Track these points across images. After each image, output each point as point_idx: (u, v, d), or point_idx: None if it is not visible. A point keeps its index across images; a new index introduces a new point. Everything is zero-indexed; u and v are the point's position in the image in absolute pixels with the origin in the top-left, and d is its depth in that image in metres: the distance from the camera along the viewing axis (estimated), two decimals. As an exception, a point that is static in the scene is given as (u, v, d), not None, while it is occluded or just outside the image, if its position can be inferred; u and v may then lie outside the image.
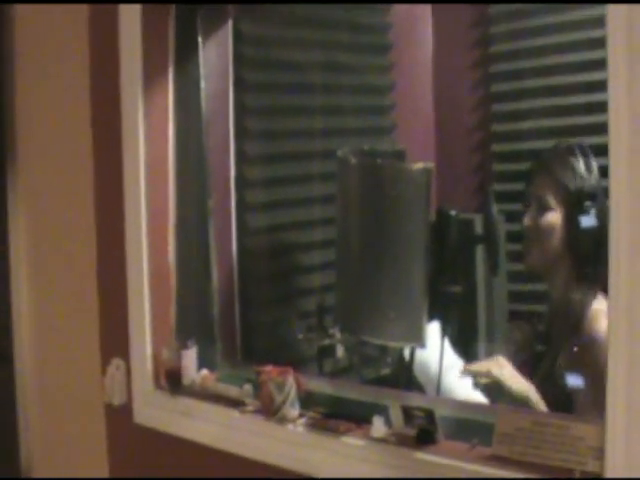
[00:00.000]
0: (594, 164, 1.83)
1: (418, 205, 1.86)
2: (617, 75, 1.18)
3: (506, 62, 2.67)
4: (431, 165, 1.86)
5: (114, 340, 2.09)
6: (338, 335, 2.21)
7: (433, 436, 1.51)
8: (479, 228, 2.09)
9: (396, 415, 1.55)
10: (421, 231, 1.85)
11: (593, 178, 1.81)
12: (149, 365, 1.97)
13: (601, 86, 1.27)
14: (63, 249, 2.29)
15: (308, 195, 2.38)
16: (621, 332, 1.20)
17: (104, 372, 2.08)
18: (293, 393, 1.68)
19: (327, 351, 2.29)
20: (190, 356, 1.91)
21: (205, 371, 1.92)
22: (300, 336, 2.32)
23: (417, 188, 1.86)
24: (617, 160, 1.19)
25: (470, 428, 1.55)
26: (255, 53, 2.21)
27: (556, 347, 1.84)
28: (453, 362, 2.04)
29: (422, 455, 1.48)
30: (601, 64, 1.27)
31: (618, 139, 1.19)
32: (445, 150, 2.88)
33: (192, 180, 2.11)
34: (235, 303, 2.20)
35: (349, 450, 1.57)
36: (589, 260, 1.79)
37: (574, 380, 1.76)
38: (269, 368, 1.73)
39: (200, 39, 2.06)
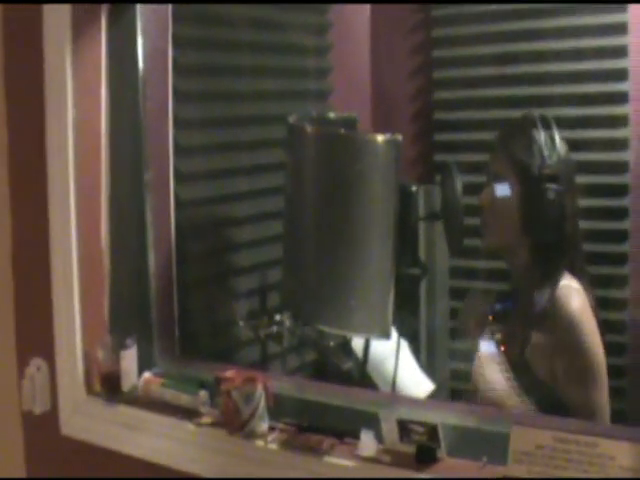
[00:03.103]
0: (557, 139, 1.67)
1: (385, 180, 1.70)
2: None
3: (449, 26, 2.58)
4: (399, 137, 1.69)
5: (34, 336, 1.79)
6: (287, 323, 2.00)
7: (434, 454, 1.29)
8: (438, 204, 1.95)
9: (390, 429, 1.32)
10: (388, 209, 1.69)
11: (555, 155, 1.65)
12: (79, 366, 1.67)
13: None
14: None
15: (249, 163, 2.22)
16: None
17: (21, 374, 1.75)
18: (263, 404, 1.42)
19: (273, 340, 2.06)
20: (130, 357, 1.63)
21: (148, 374, 1.64)
22: (241, 323, 2.09)
23: (384, 162, 1.71)
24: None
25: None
26: (193, 9, 2.01)
27: (523, 332, 1.69)
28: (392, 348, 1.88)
29: (424, 477, 1.27)
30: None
31: None
32: (383, 117, 2.75)
33: (127, 148, 1.83)
34: (173, 289, 1.92)
35: (334, 472, 1.34)
36: (551, 242, 1.66)
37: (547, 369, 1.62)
38: (231, 373, 1.47)
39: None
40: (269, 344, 2.11)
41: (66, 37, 1.66)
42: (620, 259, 2.33)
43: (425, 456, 1.30)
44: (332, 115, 2.28)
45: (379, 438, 1.34)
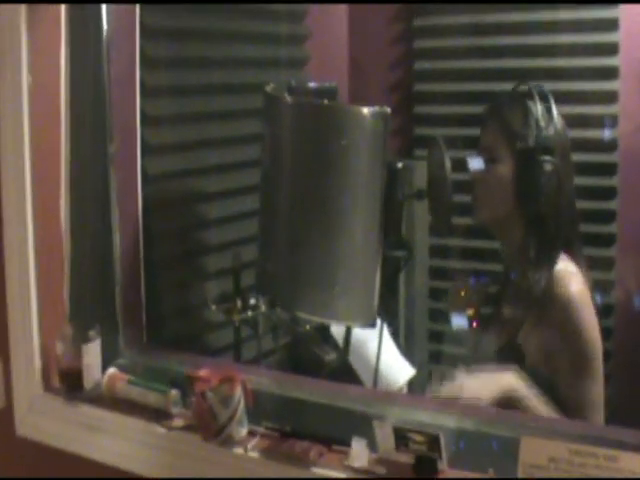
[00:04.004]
0: (555, 111, 1.58)
1: (372, 156, 1.59)
2: None
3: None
4: (387, 109, 1.58)
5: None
6: (263, 307, 1.87)
7: (435, 465, 1.17)
8: (420, 180, 1.81)
9: (385, 437, 1.19)
10: (375, 187, 1.58)
11: (552, 127, 1.57)
12: (37, 361, 1.52)
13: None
14: None
15: (221, 134, 2.07)
16: None
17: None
18: (242, 408, 1.28)
19: (248, 326, 1.92)
20: (93, 351, 1.47)
21: (113, 370, 1.48)
22: (213, 307, 1.95)
23: (371, 136, 1.59)
24: None
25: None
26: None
27: (515, 315, 1.61)
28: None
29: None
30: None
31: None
32: (360, 88, 2.63)
33: (89, 118, 1.66)
34: (140, 271, 1.76)
35: (323, 485, 1.20)
36: (546, 218, 1.58)
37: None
38: (205, 372, 1.32)
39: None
40: (243, 329, 1.97)
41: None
42: (607, 240, 2.25)
43: (424, 468, 1.17)
44: (312, 85, 2.13)
45: (372, 446, 1.20)
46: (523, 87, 1.68)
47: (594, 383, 1.51)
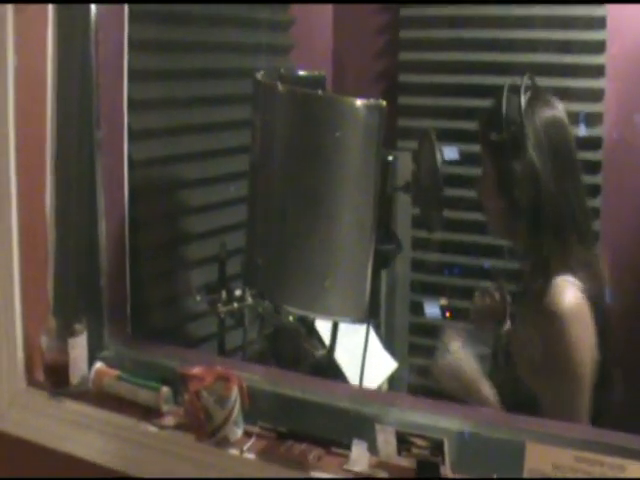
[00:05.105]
0: (524, 103, 1.47)
1: (366, 150, 1.56)
2: None
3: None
4: (383, 103, 1.55)
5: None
6: (249, 300, 1.83)
7: (437, 470, 1.14)
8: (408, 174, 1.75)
9: (386, 441, 1.17)
10: (368, 181, 1.56)
11: (519, 120, 1.46)
12: (19, 354, 1.46)
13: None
14: None
15: (207, 120, 2.04)
16: None
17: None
18: (238, 408, 1.24)
19: (233, 318, 1.89)
20: (79, 345, 1.42)
21: (100, 364, 1.44)
22: (198, 298, 1.91)
23: (366, 129, 1.56)
24: None
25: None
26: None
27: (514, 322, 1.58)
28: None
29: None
30: None
31: None
32: (343, 77, 2.59)
33: (75, 104, 1.59)
34: (125, 262, 1.71)
35: (322, 489, 1.17)
36: (535, 223, 1.50)
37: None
38: (199, 370, 1.28)
39: None
40: (227, 319, 1.93)
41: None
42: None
43: (427, 473, 1.15)
44: (301, 73, 2.09)
45: (373, 449, 1.18)
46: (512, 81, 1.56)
47: (578, 395, 1.43)
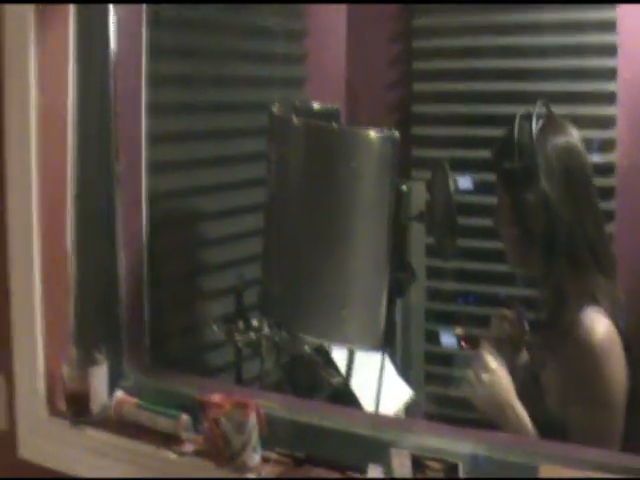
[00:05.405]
0: (535, 131, 1.48)
1: (380, 180, 1.60)
2: None
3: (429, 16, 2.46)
4: (396, 134, 1.59)
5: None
6: (266, 329, 1.85)
7: (453, 495, 1.15)
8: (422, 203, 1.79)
9: (402, 465, 1.18)
10: (382, 211, 1.60)
11: (531, 149, 1.47)
12: (41, 383, 1.49)
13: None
14: None
15: (221, 154, 2.07)
16: None
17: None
18: (256, 434, 1.26)
19: (250, 348, 1.90)
20: (100, 374, 1.45)
21: (121, 393, 1.46)
22: (215, 328, 1.93)
23: (380, 160, 1.60)
24: None
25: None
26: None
27: (542, 354, 1.56)
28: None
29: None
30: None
31: None
32: (357, 108, 2.60)
33: (95, 137, 1.64)
34: (144, 292, 1.74)
35: (339, 514, 1.18)
36: (550, 255, 1.49)
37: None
38: (218, 398, 1.30)
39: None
40: (245, 349, 1.95)
41: (29, 11, 1.47)
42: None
43: (442, 496, 1.16)
44: (316, 106, 2.13)
45: (388, 473, 1.19)
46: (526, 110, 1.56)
47: (614, 428, 1.42)
